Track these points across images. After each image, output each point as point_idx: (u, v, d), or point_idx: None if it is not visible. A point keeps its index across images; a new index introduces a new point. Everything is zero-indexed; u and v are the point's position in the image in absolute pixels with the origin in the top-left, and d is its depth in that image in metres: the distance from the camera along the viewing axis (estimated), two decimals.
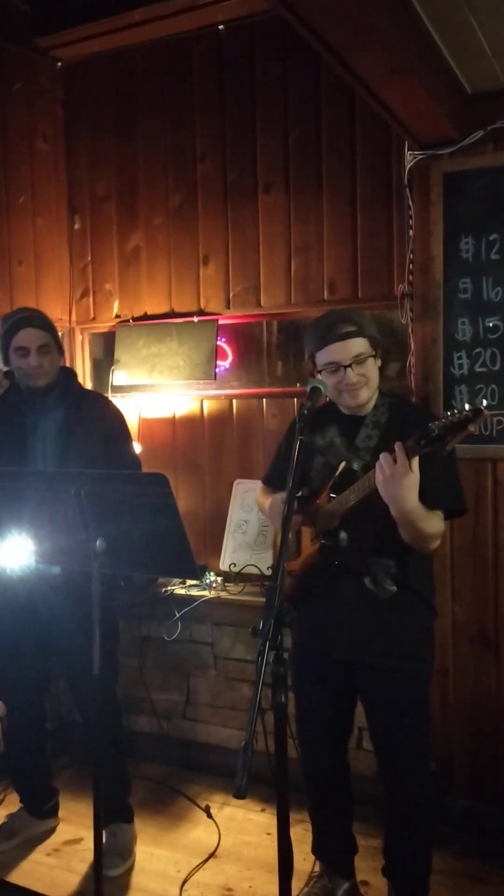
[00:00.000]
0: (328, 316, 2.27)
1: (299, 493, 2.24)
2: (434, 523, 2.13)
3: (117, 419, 2.91)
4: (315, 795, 2.52)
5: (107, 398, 2.96)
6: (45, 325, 2.77)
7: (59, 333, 2.89)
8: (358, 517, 2.18)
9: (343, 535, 2.23)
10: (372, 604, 2.21)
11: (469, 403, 1.91)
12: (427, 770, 2.36)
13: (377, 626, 2.23)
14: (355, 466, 2.23)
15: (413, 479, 1.98)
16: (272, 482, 2.55)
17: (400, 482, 1.97)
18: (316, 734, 2.44)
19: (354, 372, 2.19)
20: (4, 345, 2.76)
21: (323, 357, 2.22)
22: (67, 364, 3.67)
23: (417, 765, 2.32)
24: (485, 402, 1.91)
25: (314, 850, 2.59)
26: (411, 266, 3.04)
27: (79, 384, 2.97)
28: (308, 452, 2.31)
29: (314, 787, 2.50)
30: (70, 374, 2.93)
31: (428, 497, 2.07)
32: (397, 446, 1.97)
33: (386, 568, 2.20)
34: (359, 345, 2.20)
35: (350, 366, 2.19)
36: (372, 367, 2.24)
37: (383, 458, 1.99)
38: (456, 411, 1.88)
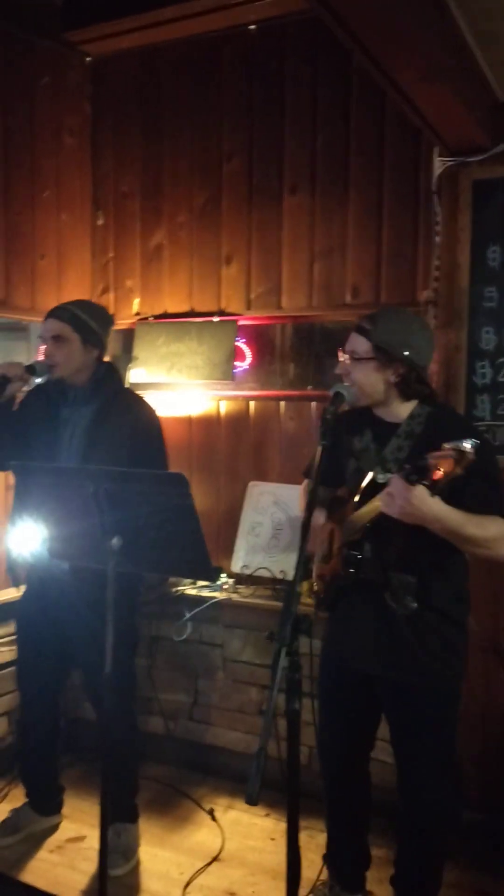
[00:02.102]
0: (380, 309, 2.28)
1: (339, 493, 2.20)
2: (489, 527, 2.01)
3: (149, 422, 2.81)
4: (333, 806, 2.47)
5: (143, 400, 2.87)
6: (70, 316, 2.71)
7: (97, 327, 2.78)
8: (381, 530, 2.11)
9: (367, 546, 2.17)
10: (392, 619, 2.15)
11: (468, 442, 1.77)
12: (448, 785, 2.30)
13: (397, 642, 2.16)
14: (380, 479, 2.12)
15: (417, 493, 1.86)
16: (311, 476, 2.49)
17: (403, 506, 1.90)
18: (337, 745, 2.39)
19: (344, 365, 2.16)
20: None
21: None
22: None
23: (437, 782, 2.26)
24: (468, 445, 1.78)
25: (326, 859, 2.56)
26: (437, 273, 3.01)
27: (118, 382, 2.91)
28: (345, 453, 2.27)
29: (332, 798, 2.46)
30: (110, 369, 2.87)
31: (475, 505, 1.99)
32: (397, 473, 1.93)
33: (407, 584, 2.13)
34: (358, 343, 2.15)
35: (347, 356, 2.16)
36: (362, 372, 2.14)
37: (392, 483, 1.92)
38: (451, 446, 1.78)
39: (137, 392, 3.59)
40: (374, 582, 2.17)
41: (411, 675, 2.18)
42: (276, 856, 2.86)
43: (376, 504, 2.03)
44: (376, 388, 2.17)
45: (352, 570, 2.19)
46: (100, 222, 3.88)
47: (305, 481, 2.52)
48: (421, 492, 1.86)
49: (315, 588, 2.40)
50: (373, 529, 2.13)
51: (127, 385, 3.68)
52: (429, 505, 1.90)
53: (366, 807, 2.50)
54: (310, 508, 1.91)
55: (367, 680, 2.27)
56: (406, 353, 2.13)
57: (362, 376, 2.15)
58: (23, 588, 2.94)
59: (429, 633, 2.17)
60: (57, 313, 2.74)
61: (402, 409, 2.20)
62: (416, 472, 1.83)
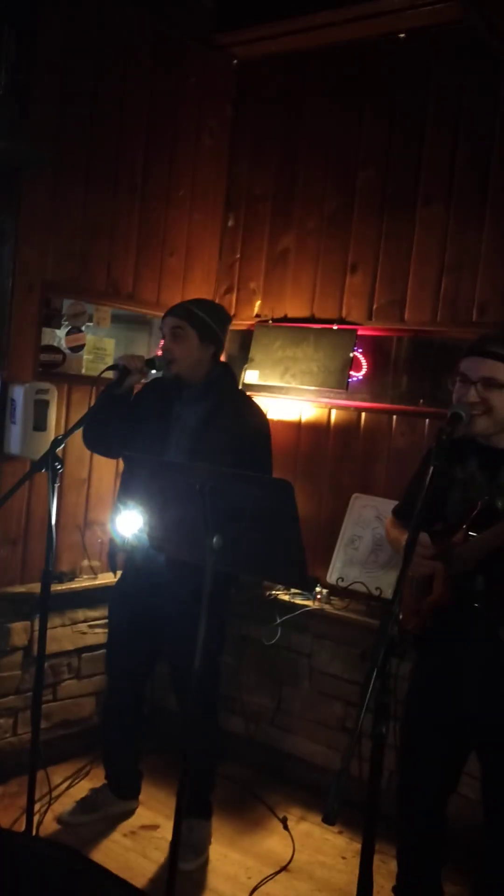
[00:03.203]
0: (494, 332, 2.17)
1: (434, 528, 2.12)
2: None
3: (258, 427, 2.82)
4: (407, 847, 2.38)
5: (255, 404, 2.88)
6: (187, 312, 2.77)
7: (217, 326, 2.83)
8: (499, 561, 2.03)
9: (480, 578, 2.08)
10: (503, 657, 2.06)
11: None
12: None
13: None
14: (499, 505, 2.06)
15: None
16: (404, 516, 2.38)
17: None
18: (421, 782, 2.29)
19: (476, 392, 2.05)
20: None
21: (461, 366, 2.12)
22: None
23: None
24: None
25: (395, 890, 2.49)
26: None
27: (232, 383, 2.94)
28: (446, 484, 2.17)
29: (408, 840, 2.36)
30: (226, 370, 2.91)
31: None
32: None
33: None
34: (495, 368, 2.06)
35: (476, 384, 2.06)
36: (501, 399, 2.06)
37: None
38: None
39: (250, 394, 3.61)
40: (488, 617, 2.07)
41: None
42: (346, 875, 2.82)
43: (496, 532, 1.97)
44: None
45: (471, 606, 2.09)
46: (230, 223, 3.93)
47: (391, 518, 2.44)
48: None
49: (404, 623, 2.24)
50: (488, 561, 2.05)
51: (241, 386, 3.71)
52: None
53: (440, 849, 2.40)
54: (416, 529, 1.86)
55: (469, 724, 2.16)
56: None
57: (501, 403, 2.07)
58: (119, 574, 3.01)
59: None
60: (175, 310, 2.80)
61: (495, 433, 2.13)
62: None
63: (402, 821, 2.35)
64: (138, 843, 2.93)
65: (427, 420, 3.35)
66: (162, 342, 2.84)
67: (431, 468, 1.90)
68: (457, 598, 2.11)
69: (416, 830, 2.34)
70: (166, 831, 2.94)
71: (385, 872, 2.57)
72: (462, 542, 2.11)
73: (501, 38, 1.95)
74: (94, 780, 3.23)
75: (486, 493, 2.11)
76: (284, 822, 3.11)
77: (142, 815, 3.09)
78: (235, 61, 3.82)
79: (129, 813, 3.09)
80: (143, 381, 2.87)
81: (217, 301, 3.89)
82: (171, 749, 3.48)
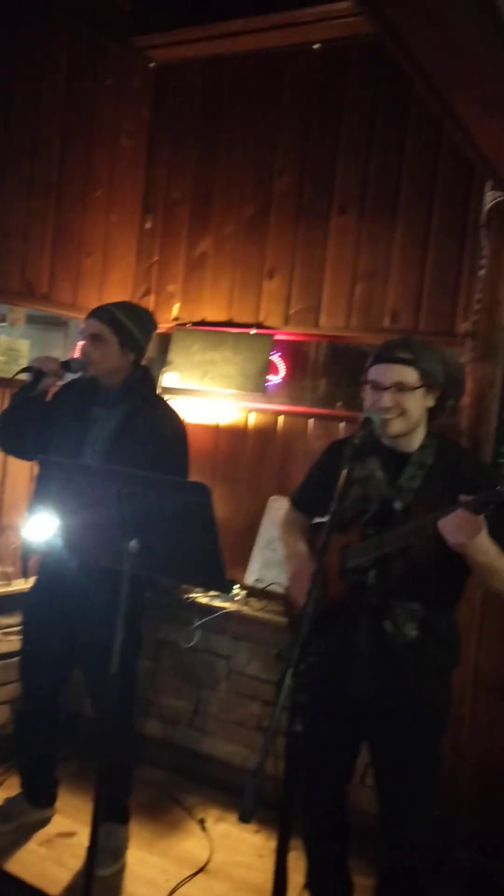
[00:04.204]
0: (395, 338, 2.24)
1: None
2: None
3: (174, 432, 2.82)
4: (310, 832, 2.45)
5: (172, 409, 2.88)
6: (110, 318, 2.73)
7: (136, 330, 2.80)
8: (392, 559, 2.13)
9: (372, 573, 2.16)
10: (390, 647, 2.15)
11: None
12: (431, 821, 2.29)
13: (393, 670, 2.16)
14: (396, 506, 2.16)
15: (483, 525, 1.94)
16: (301, 506, 2.51)
17: (471, 537, 1.93)
18: (317, 769, 2.35)
19: (390, 397, 2.13)
20: None
21: (370, 374, 2.19)
22: None
23: (422, 815, 2.24)
24: None
25: (307, 886, 2.54)
26: (478, 306, 3.00)
27: (150, 387, 2.92)
28: (346, 481, 2.27)
29: (310, 824, 2.43)
30: (146, 375, 2.89)
31: (499, 542, 2.02)
32: (464, 502, 1.93)
33: (410, 612, 2.14)
34: (405, 373, 2.14)
35: (388, 389, 2.14)
36: (413, 401, 2.15)
37: (460, 515, 1.93)
38: None
39: (169, 396, 3.61)
40: (375, 608, 2.16)
41: (404, 704, 2.17)
42: (263, 873, 2.85)
43: (406, 531, 2.07)
44: (421, 417, 2.20)
45: (360, 599, 2.17)
46: (148, 226, 3.93)
47: (290, 510, 2.55)
48: (485, 525, 1.93)
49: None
50: (384, 556, 2.13)
51: (159, 388, 3.71)
52: (485, 537, 1.96)
53: (345, 837, 2.47)
54: (329, 532, 1.91)
55: (357, 709, 2.24)
56: (443, 379, 2.19)
57: (413, 405, 2.15)
58: (32, 580, 2.97)
59: (426, 662, 2.18)
60: (98, 314, 2.76)
61: (415, 439, 2.22)
62: (491, 504, 1.89)
63: (304, 811, 2.39)
64: (54, 851, 2.89)
65: (342, 423, 3.43)
66: (80, 343, 2.81)
67: (345, 472, 1.96)
68: (349, 592, 2.19)
69: (316, 815, 2.40)
70: (83, 838, 2.90)
71: (301, 868, 2.60)
72: (358, 539, 2.19)
73: (410, 55, 2.01)
74: (8, 790, 3.16)
75: (385, 494, 2.19)
76: (202, 823, 3.13)
77: (58, 823, 3.05)
78: (153, 64, 3.82)
79: (45, 821, 3.04)
80: (58, 382, 2.83)
81: (137, 305, 3.88)
82: (87, 755, 3.45)
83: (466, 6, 1.78)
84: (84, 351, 2.75)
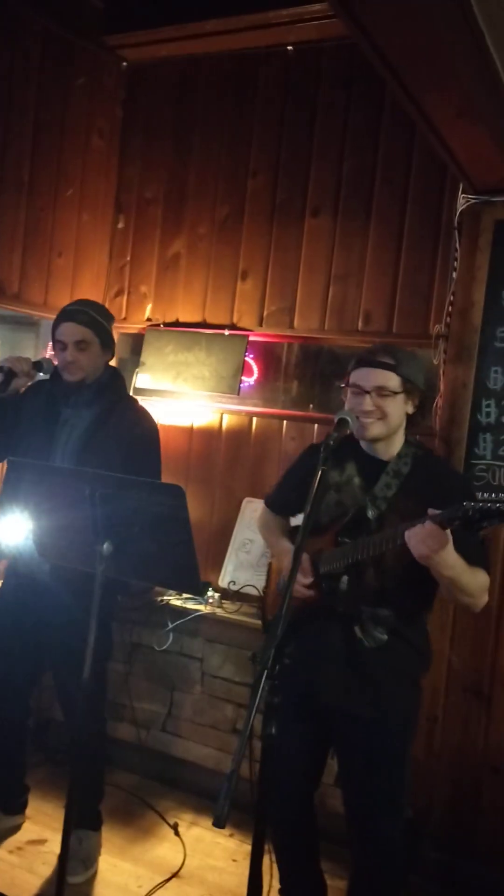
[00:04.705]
0: (380, 344, 2.25)
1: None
2: (479, 577, 2.08)
3: (147, 433, 2.82)
4: (279, 837, 2.43)
5: (144, 410, 2.88)
6: (90, 321, 2.71)
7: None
8: (364, 566, 2.13)
9: (345, 579, 2.16)
10: (360, 652, 2.15)
11: None
12: (400, 822, 2.28)
13: (363, 675, 2.16)
14: (370, 514, 2.16)
15: (450, 539, 1.93)
16: (275, 507, 2.52)
17: (437, 551, 1.92)
18: (285, 774, 2.32)
19: (371, 400, 2.15)
20: (52, 335, 2.77)
21: (352, 378, 2.19)
22: None
23: (389, 816, 2.23)
24: None
25: (280, 892, 2.53)
26: (451, 308, 3.02)
27: (122, 388, 2.90)
28: (323, 485, 2.26)
29: (279, 829, 2.41)
30: (115, 375, 2.88)
31: (469, 555, 2.02)
32: (432, 516, 1.92)
33: (380, 617, 2.14)
34: (386, 378, 2.15)
35: (370, 393, 2.15)
36: (394, 406, 2.16)
37: (427, 528, 1.92)
38: (496, 500, 1.85)
39: (141, 398, 3.58)
40: (345, 614, 2.16)
41: (374, 709, 2.16)
42: (237, 877, 2.84)
43: (379, 541, 2.07)
44: (401, 423, 2.21)
45: (332, 605, 2.17)
46: (120, 226, 3.90)
47: (265, 510, 2.55)
48: (451, 540, 1.92)
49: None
50: (356, 564, 2.13)
51: (132, 390, 3.68)
52: (451, 552, 1.95)
53: (314, 841, 2.46)
54: (304, 534, 1.90)
55: (325, 713, 2.24)
56: (423, 387, 2.21)
57: (393, 410, 2.17)
58: (0, 583, 2.93)
59: (395, 667, 2.18)
60: (78, 318, 2.71)
61: (393, 447, 2.23)
62: (458, 520, 1.86)
63: (272, 814, 2.37)
64: (25, 858, 2.85)
65: (316, 425, 3.43)
66: (51, 344, 2.77)
67: (320, 473, 1.95)
68: (320, 596, 2.19)
69: (287, 822, 2.40)
70: (54, 845, 2.87)
71: (276, 872, 2.60)
72: (331, 544, 2.19)
73: (384, 59, 2.02)
74: None
75: (360, 501, 2.19)
76: (175, 827, 3.10)
77: (29, 830, 3.01)
78: (125, 63, 3.79)
79: (16, 828, 3.00)
80: (29, 383, 2.80)
81: (107, 304, 3.85)
82: (58, 760, 3.41)
83: (441, 10, 1.79)
84: (72, 358, 2.70)
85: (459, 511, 1.85)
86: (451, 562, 1.97)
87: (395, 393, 2.16)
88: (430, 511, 1.93)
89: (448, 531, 1.91)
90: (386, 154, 3.28)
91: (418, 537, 1.94)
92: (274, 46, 3.45)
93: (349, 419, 2.11)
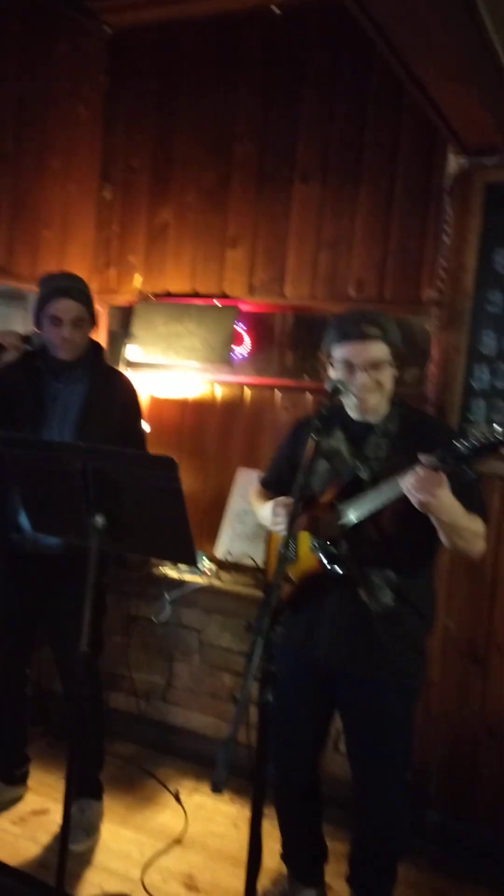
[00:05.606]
0: (355, 313, 2.21)
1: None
2: (477, 522, 2.09)
3: (135, 398, 2.92)
4: (283, 802, 2.47)
5: (128, 378, 2.96)
6: (83, 297, 2.72)
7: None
8: (362, 527, 2.14)
9: (343, 544, 2.17)
10: (365, 615, 2.16)
11: (499, 425, 1.86)
12: (404, 785, 2.32)
13: (368, 637, 2.17)
14: (363, 476, 2.17)
15: (445, 482, 1.94)
16: (269, 486, 2.49)
17: (434, 492, 1.93)
18: (290, 740, 2.38)
19: (368, 376, 2.14)
20: (39, 309, 2.72)
21: (339, 353, 2.16)
22: None
23: (395, 779, 2.27)
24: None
25: (282, 856, 2.57)
26: (442, 273, 3.00)
27: (103, 359, 2.95)
28: (317, 455, 2.26)
29: (282, 794, 2.46)
30: (98, 348, 2.90)
31: (465, 499, 2.04)
32: (424, 459, 1.92)
33: (386, 580, 2.15)
34: (378, 350, 2.14)
35: (364, 369, 2.13)
36: (387, 375, 2.17)
37: (420, 472, 1.92)
38: (483, 432, 1.85)
39: (133, 370, 3.57)
40: (348, 579, 2.17)
41: (379, 672, 2.19)
42: (238, 843, 2.88)
43: (376, 497, 2.07)
44: (393, 387, 2.21)
45: (336, 570, 2.17)
46: (107, 195, 3.84)
47: (258, 488, 2.54)
48: (446, 481, 1.93)
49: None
50: (355, 526, 2.13)
51: (122, 362, 3.67)
52: (448, 494, 1.96)
53: (318, 803, 2.50)
54: (297, 503, 1.90)
55: (331, 677, 2.26)
56: (402, 345, 2.20)
57: (387, 379, 2.18)
58: None
59: (400, 630, 2.19)
60: (74, 295, 2.69)
61: (381, 408, 2.22)
62: (449, 458, 1.88)
63: (276, 779, 2.42)
64: (28, 829, 2.88)
65: (307, 394, 3.42)
66: (58, 327, 2.73)
67: (314, 443, 1.94)
68: (322, 562, 2.20)
69: (288, 785, 2.43)
70: (57, 815, 2.90)
71: (276, 836, 2.63)
72: (328, 510, 2.19)
73: (374, 20, 1.97)
74: None
75: (352, 465, 2.19)
76: (177, 795, 3.14)
77: (30, 801, 3.04)
78: (109, 30, 3.71)
79: (17, 799, 3.03)
80: (16, 357, 2.76)
81: (97, 275, 3.82)
82: (58, 731, 3.44)
83: None
84: (69, 336, 2.68)
85: (450, 450, 1.88)
86: (448, 504, 1.98)
87: (387, 362, 2.16)
88: (421, 455, 1.94)
89: (442, 473, 1.92)
90: (375, 118, 3.22)
91: (414, 483, 1.94)
92: (260, 7, 3.36)
93: (342, 387, 2.10)
